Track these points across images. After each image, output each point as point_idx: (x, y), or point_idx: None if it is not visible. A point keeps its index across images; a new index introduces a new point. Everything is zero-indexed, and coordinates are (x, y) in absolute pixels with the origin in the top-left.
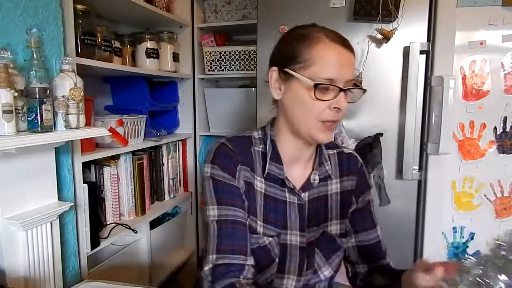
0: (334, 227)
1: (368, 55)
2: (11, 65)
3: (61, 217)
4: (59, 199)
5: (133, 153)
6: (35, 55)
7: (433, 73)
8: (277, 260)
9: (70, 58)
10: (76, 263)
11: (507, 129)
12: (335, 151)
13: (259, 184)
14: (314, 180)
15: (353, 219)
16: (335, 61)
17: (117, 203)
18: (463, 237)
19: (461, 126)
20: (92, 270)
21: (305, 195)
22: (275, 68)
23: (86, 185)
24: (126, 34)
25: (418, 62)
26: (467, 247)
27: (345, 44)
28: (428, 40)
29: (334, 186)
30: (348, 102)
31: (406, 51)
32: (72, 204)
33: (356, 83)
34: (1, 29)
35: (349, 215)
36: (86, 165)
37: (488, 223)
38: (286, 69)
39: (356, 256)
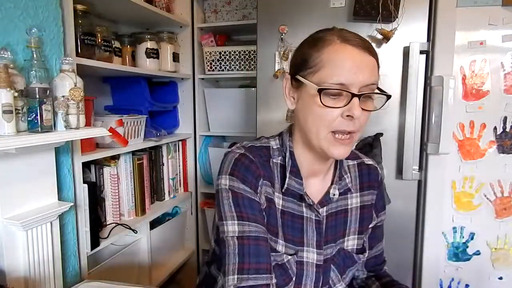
0: (351, 242)
1: None
2: (11, 65)
3: (61, 217)
4: (59, 199)
5: (133, 153)
6: (35, 55)
7: (433, 73)
8: (294, 278)
9: (70, 58)
10: (76, 263)
11: (507, 129)
12: (355, 162)
13: (277, 200)
14: (334, 195)
15: (372, 234)
16: (346, 64)
17: (117, 203)
18: (463, 237)
19: (461, 126)
20: (92, 270)
21: (323, 211)
22: (288, 76)
23: (86, 185)
24: (126, 34)
25: (418, 62)
26: (467, 247)
27: (361, 45)
28: (428, 40)
29: (354, 200)
30: (369, 110)
31: (406, 51)
32: (72, 204)
33: (380, 88)
34: (1, 29)
35: (369, 231)
36: (86, 165)
37: (488, 223)
38: (297, 76)
39: (361, 267)
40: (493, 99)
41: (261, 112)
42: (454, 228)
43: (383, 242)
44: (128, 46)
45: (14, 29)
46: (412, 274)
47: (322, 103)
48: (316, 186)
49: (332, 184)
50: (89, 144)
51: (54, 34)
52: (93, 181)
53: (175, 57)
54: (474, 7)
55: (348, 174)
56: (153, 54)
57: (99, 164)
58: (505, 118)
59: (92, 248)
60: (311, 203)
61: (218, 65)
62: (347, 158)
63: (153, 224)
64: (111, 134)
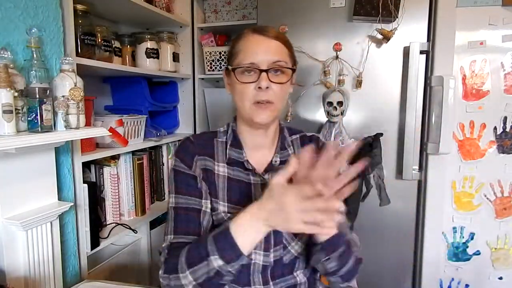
0: None
1: (368, 55)
2: (11, 65)
3: (61, 217)
4: (59, 199)
5: (133, 153)
6: (35, 55)
7: (433, 73)
8: None
9: (70, 58)
10: (76, 263)
11: (507, 129)
12: (298, 135)
13: (222, 169)
14: (275, 161)
15: None
16: (254, 47)
17: (117, 203)
18: (463, 237)
19: (461, 126)
20: (92, 270)
21: (268, 176)
22: (224, 68)
23: (86, 185)
24: (126, 34)
25: (418, 62)
26: (467, 247)
27: (269, 33)
28: (428, 40)
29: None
30: (280, 83)
31: (406, 51)
32: (72, 204)
33: (292, 68)
34: (1, 29)
35: None
36: (86, 165)
37: (488, 223)
38: (227, 65)
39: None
40: (493, 99)
41: None
42: (454, 228)
43: None
44: (128, 46)
45: (14, 29)
46: (412, 274)
47: (238, 80)
48: (261, 157)
49: (275, 154)
50: (89, 144)
51: (54, 34)
52: (93, 181)
53: (175, 57)
54: (474, 7)
55: (291, 147)
56: (153, 54)
57: (99, 164)
58: (505, 118)
59: (92, 248)
60: (251, 168)
61: (218, 65)
62: (291, 134)
63: (153, 224)
64: (111, 134)
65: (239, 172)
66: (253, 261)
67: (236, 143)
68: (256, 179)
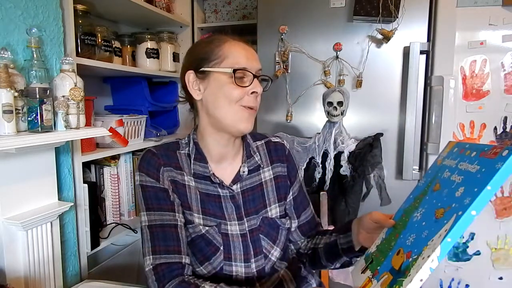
0: (274, 211)
1: (368, 55)
2: (11, 65)
3: (61, 217)
4: (59, 199)
5: (133, 153)
6: (35, 55)
7: (433, 73)
8: (221, 248)
9: (70, 58)
10: (76, 263)
11: (507, 129)
12: (262, 141)
13: (190, 182)
14: (244, 172)
15: (294, 205)
16: (244, 54)
17: (117, 203)
18: (463, 237)
19: (461, 126)
20: (92, 270)
21: (237, 187)
22: (190, 71)
23: (86, 185)
24: (126, 34)
25: (418, 62)
26: (467, 247)
27: (246, 42)
28: (428, 40)
29: (267, 174)
30: (264, 90)
31: (406, 51)
32: (72, 204)
33: (263, 74)
34: (1, 29)
35: (289, 200)
36: (86, 165)
37: (488, 223)
38: (203, 69)
39: (297, 235)
40: (493, 99)
41: (261, 112)
42: None
43: (311, 207)
44: (128, 46)
45: (14, 29)
46: None
47: (236, 83)
48: (227, 168)
49: (242, 163)
50: (89, 144)
51: (54, 34)
52: (93, 181)
53: (175, 57)
54: (474, 7)
55: (257, 153)
56: (153, 54)
57: (99, 164)
58: (505, 118)
59: (92, 248)
60: (218, 182)
61: None
62: (255, 140)
63: None
64: (111, 134)
65: (206, 185)
66: (234, 274)
67: (200, 157)
68: (224, 192)
